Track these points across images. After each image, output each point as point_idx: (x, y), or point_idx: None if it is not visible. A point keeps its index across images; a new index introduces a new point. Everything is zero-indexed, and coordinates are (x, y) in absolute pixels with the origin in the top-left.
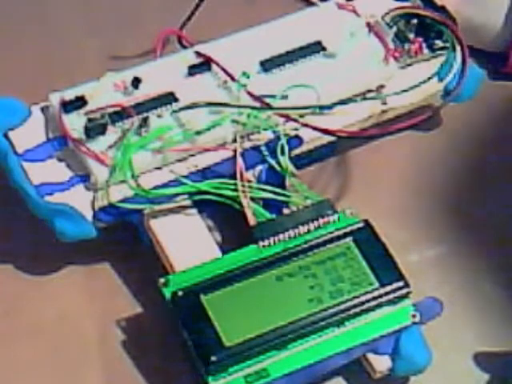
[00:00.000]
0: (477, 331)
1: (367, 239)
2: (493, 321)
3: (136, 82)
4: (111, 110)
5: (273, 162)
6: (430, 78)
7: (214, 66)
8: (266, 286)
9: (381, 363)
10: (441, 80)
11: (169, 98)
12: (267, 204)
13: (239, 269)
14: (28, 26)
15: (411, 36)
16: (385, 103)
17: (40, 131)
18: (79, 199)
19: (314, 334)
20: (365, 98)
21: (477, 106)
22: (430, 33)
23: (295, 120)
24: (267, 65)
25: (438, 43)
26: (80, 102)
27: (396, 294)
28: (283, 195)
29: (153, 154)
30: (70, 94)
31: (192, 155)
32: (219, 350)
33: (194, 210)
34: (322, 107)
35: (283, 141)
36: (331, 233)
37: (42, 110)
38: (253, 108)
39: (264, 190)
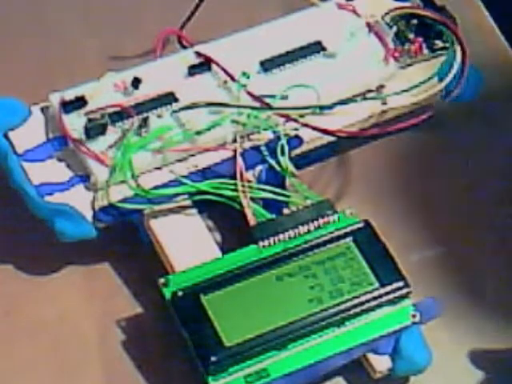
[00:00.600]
0: (477, 331)
1: (367, 239)
2: (493, 321)
3: (136, 82)
4: (111, 110)
5: (273, 162)
6: (430, 78)
7: (214, 66)
8: (266, 286)
9: (381, 363)
10: (441, 80)
11: (169, 98)
12: (267, 204)
13: (239, 269)
14: (28, 26)
15: (411, 36)
16: (385, 103)
17: (40, 131)
18: (79, 199)
19: (314, 334)
20: (365, 98)
21: (477, 105)
22: (430, 33)
23: (295, 120)
24: (267, 65)
25: (438, 43)
26: (80, 102)
27: (396, 294)
28: (283, 195)
29: (153, 154)
30: (69, 94)
31: (192, 155)
32: (219, 350)
33: (194, 210)
34: (322, 107)
35: (283, 141)
36: (331, 233)
37: (42, 110)
38: (253, 108)
39: (264, 190)
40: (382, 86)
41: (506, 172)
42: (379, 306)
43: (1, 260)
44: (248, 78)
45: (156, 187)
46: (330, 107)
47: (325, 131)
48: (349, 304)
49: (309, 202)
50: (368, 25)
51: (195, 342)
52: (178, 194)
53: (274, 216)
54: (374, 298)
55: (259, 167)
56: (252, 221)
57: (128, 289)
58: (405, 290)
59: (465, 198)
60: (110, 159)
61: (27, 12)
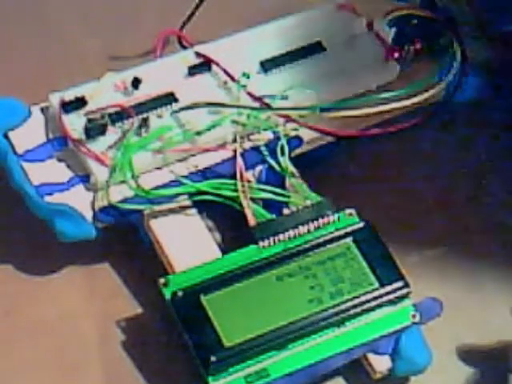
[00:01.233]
0: (477, 331)
1: (367, 239)
2: (493, 321)
3: (136, 82)
4: (111, 110)
5: (273, 163)
6: (430, 78)
7: (214, 67)
8: (266, 286)
9: (381, 363)
10: (441, 80)
11: (169, 98)
12: (267, 204)
13: (239, 269)
14: (28, 26)
15: (411, 36)
16: (385, 103)
17: (40, 131)
18: (79, 199)
19: (314, 334)
20: (365, 98)
21: (477, 105)
22: (430, 33)
23: (295, 120)
24: (267, 65)
25: (438, 43)
26: (80, 102)
27: (396, 294)
28: (283, 195)
29: (153, 154)
30: (69, 95)
31: (192, 155)
32: (219, 350)
33: (193, 210)
34: (322, 107)
35: (283, 141)
36: (331, 233)
37: (42, 110)
38: (253, 108)
39: (264, 190)
40: (382, 86)
41: (507, 172)
42: (379, 306)
43: (1, 260)
44: (248, 78)
45: (156, 187)
46: (330, 107)
47: (325, 131)
48: (349, 304)
49: (309, 202)
50: (368, 25)
51: (195, 342)
52: (178, 194)
53: (273, 216)
54: (374, 298)
55: (259, 167)
56: (252, 221)
57: (128, 289)
58: (405, 290)
59: (465, 197)
60: (109, 159)
61: (27, 12)
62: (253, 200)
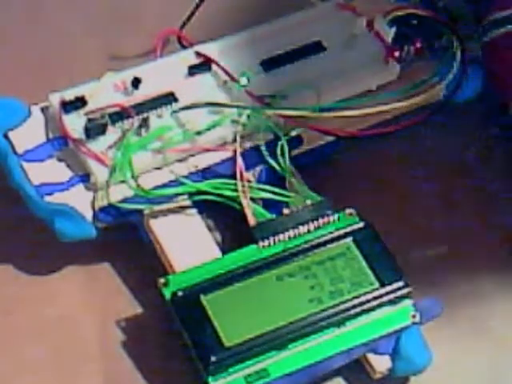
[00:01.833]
0: (477, 331)
1: (367, 239)
2: (493, 321)
3: (136, 82)
4: (111, 110)
5: (273, 163)
6: (430, 78)
7: (213, 66)
8: (266, 286)
9: (381, 363)
10: (441, 80)
11: (169, 98)
12: (267, 204)
13: (239, 269)
14: (28, 26)
15: (411, 36)
16: (385, 103)
17: (40, 131)
18: (79, 199)
19: (314, 334)
20: (365, 98)
21: (476, 105)
22: (430, 33)
23: (295, 120)
24: (267, 65)
25: (438, 43)
26: (80, 102)
27: (396, 294)
28: (283, 195)
29: (153, 154)
30: (69, 94)
31: (192, 155)
32: (219, 350)
33: (193, 210)
34: (322, 107)
35: (283, 141)
36: (331, 233)
37: (42, 110)
38: (253, 108)
39: (264, 190)
40: (382, 86)
41: (507, 171)
42: (379, 306)
43: (1, 260)
44: (248, 77)
45: (156, 187)
46: (330, 107)
47: (325, 131)
48: (349, 304)
49: (309, 202)
50: (368, 25)
51: (195, 341)
52: (178, 194)
53: (273, 216)
54: (374, 298)
55: (259, 167)
56: (252, 221)
57: (128, 289)
58: (405, 290)
59: (465, 197)
60: (109, 159)
61: (27, 12)
62: (253, 200)
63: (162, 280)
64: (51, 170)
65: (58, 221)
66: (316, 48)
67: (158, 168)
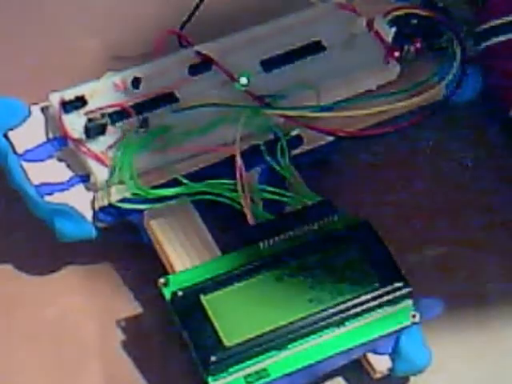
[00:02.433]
0: (477, 331)
1: (367, 239)
2: (493, 320)
3: (136, 82)
4: (111, 110)
5: (273, 163)
6: (430, 78)
7: (214, 66)
8: (266, 286)
9: (381, 363)
10: (441, 80)
11: (169, 98)
12: (267, 204)
13: (239, 269)
14: (28, 26)
15: (411, 36)
16: (385, 103)
17: (40, 131)
18: (79, 199)
19: (314, 334)
20: (365, 98)
21: (476, 105)
22: (430, 33)
23: (295, 120)
24: (267, 65)
25: (438, 43)
26: (80, 101)
27: (396, 294)
28: (283, 195)
29: (153, 153)
30: (69, 94)
31: (192, 155)
32: (219, 350)
33: (194, 210)
34: (322, 107)
35: (283, 141)
36: (331, 233)
37: (42, 110)
38: (253, 108)
39: (264, 190)
40: (382, 86)
41: (507, 171)
42: (379, 306)
43: (1, 260)
44: (248, 77)
45: (156, 187)
46: (330, 107)
47: (325, 131)
48: (349, 304)
49: (309, 202)
50: (368, 25)
51: (195, 342)
52: (177, 194)
53: (273, 216)
54: (374, 298)
55: (259, 167)
56: (252, 221)
57: (128, 289)
58: (405, 290)
59: (465, 197)
60: (109, 159)
61: (27, 12)
62: (253, 200)
63: (162, 280)
64: (51, 170)
65: (57, 221)
66: (316, 48)
67: (158, 168)
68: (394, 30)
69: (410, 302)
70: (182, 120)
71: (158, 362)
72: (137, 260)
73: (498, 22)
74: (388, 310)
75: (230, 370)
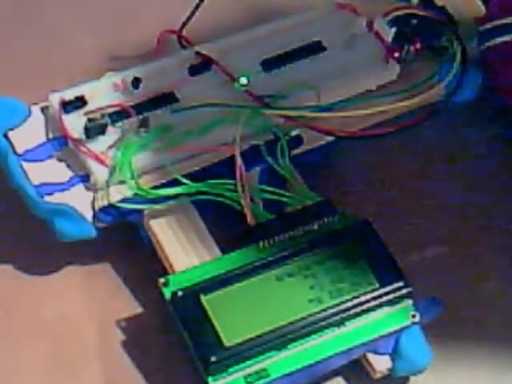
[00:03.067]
0: (477, 331)
1: (367, 239)
2: (493, 320)
3: (136, 82)
4: (111, 110)
5: (273, 163)
6: (430, 78)
7: (213, 66)
8: (266, 286)
9: (381, 363)
10: (441, 80)
11: (169, 98)
12: (267, 204)
13: (239, 269)
14: (28, 26)
15: (411, 36)
16: (385, 103)
17: (40, 131)
18: (79, 199)
19: (314, 334)
20: (365, 98)
21: (476, 105)
22: (430, 33)
23: (295, 120)
24: (267, 65)
25: (438, 43)
26: (80, 102)
27: (396, 294)
28: (283, 195)
29: (153, 153)
30: (69, 94)
31: (192, 155)
32: (219, 350)
33: (194, 210)
34: (322, 107)
35: (283, 141)
36: (331, 233)
37: (42, 110)
38: (253, 108)
39: (264, 190)
40: (382, 86)
41: (507, 171)
42: (379, 306)
43: (1, 260)
44: (248, 77)
45: (156, 187)
46: (330, 107)
47: (325, 131)
48: (349, 304)
49: (309, 202)
50: (368, 25)
51: (195, 342)
52: (178, 194)
53: (273, 216)
54: (374, 298)
55: (259, 167)
56: (252, 221)
57: (128, 289)
58: (405, 290)
59: (465, 197)
60: (109, 159)
61: (27, 12)
62: (253, 200)
63: (162, 280)
64: (51, 170)
65: (57, 221)
66: (316, 48)
67: (158, 168)
68: (394, 30)
69: (409, 302)
70: (182, 120)
71: (158, 362)
72: (137, 260)
73: (500, 22)
74: (388, 310)
75: (230, 370)
